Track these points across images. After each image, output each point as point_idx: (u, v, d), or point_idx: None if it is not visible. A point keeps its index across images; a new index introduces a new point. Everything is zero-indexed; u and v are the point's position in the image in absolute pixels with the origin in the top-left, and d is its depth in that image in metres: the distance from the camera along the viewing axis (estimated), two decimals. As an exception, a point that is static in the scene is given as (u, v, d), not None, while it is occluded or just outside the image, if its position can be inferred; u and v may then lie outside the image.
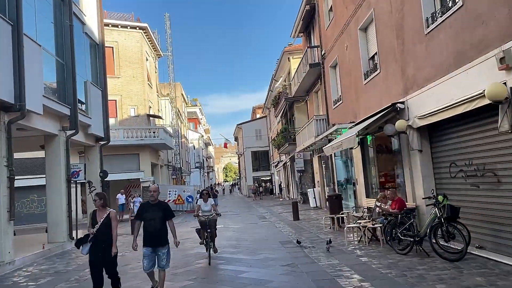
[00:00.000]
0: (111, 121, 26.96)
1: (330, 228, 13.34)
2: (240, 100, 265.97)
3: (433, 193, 8.15)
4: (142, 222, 6.41)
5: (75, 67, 14.08)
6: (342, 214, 13.48)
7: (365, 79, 12.72)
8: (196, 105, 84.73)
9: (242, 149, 54.04)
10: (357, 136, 10.12)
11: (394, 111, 10.14)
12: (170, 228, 6.53)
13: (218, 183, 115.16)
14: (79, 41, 15.54)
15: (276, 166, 43.88)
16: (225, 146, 54.28)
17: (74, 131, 13.81)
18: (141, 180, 26.72)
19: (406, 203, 9.60)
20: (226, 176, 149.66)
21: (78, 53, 15.04)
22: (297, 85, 22.45)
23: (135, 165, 26.88)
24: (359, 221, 10.68)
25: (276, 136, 33.63)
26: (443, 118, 7.96)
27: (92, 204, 16.44)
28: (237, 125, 53.76)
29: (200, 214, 9.86)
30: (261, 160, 53.32)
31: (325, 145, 18.42)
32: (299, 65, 22.26)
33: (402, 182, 10.74)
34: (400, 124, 9.42)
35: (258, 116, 56.31)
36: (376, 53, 11.85)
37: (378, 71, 11.51)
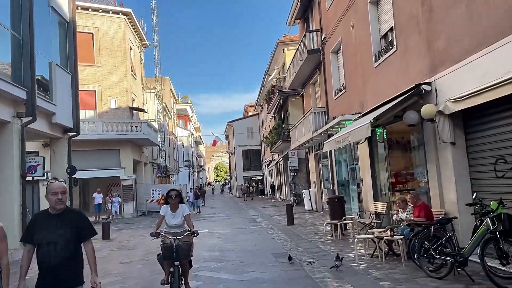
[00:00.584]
0: (89, 113, 24.79)
1: (332, 236, 11.37)
2: (232, 100, 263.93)
3: (477, 197, 6.21)
4: (36, 248, 3.59)
5: (34, 43, 11.92)
6: (346, 219, 11.53)
7: (375, 61, 10.78)
8: (187, 102, 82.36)
9: (233, 147, 51.99)
10: (371, 125, 8.13)
11: (417, 95, 8.20)
12: (88, 256, 3.80)
13: (208, 182, 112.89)
14: (43, 16, 13.38)
15: (268, 165, 41.91)
16: (214, 144, 52.10)
17: (31, 118, 11.66)
18: (121, 178, 24.54)
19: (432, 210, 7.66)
20: (217, 176, 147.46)
21: (41, 28, 12.89)
22: (292, 76, 20.50)
23: (115, 162, 24.69)
24: (371, 230, 8.72)
25: (268, 134, 31.66)
26: (490, 98, 6.03)
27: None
28: (228, 122, 51.68)
29: (163, 231, 6.04)
30: (252, 159, 51.31)
31: (325, 140, 16.59)
32: (295, 55, 20.30)
33: (424, 183, 8.80)
34: (427, 109, 7.47)
35: (250, 114, 54.31)
36: (391, 29, 9.90)
37: (394, 48, 9.57)
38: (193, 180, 65.83)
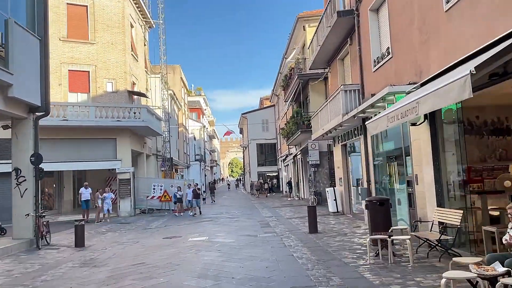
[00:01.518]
0: (82, 97, 21.89)
1: (377, 255, 8.00)
2: (247, 96, 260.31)
3: None
4: None
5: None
6: (391, 233, 8.13)
7: (447, 2, 7.31)
8: (200, 95, 79.72)
9: (247, 141, 48.78)
10: (472, 75, 4.67)
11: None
12: None
13: (222, 178, 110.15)
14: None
15: (284, 160, 38.56)
16: (228, 134, 49.07)
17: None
18: (117, 171, 21.58)
19: None
20: (232, 171, 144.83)
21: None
22: (315, 52, 17.06)
23: (111, 153, 21.71)
24: (457, 259, 5.33)
25: (285, 124, 28.27)
26: None
27: (22, 203, 11.18)
28: (242, 114, 48.48)
29: None
30: (267, 154, 48.06)
31: (357, 125, 13.17)
32: (318, 26, 16.85)
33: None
34: None
35: (265, 106, 50.92)
36: None
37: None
38: (205, 175, 62.92)
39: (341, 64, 16.34)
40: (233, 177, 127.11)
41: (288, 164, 35.04)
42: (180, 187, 23.48)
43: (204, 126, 62.69)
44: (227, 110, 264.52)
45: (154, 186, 23.51)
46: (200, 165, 54.01)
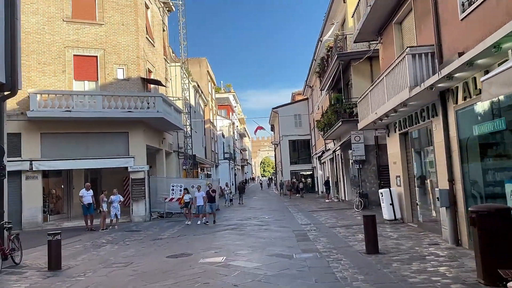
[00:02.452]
0: (90, 85, 19.30)
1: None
2: (279, 95, 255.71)
3: None
4: None
5: None
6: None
7: None
8: (230, 92, 77.15)
9: (278, 137, 45.41)
10: None
11: None
12: None
13: (253, 177, 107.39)
14: None
15: (319, 157, 34.91)
16: (259, 129, 45.88)
17: None
18: (129, 169, 18.82)
19: None
20: (264, 171, 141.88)
21: None
22: (363, 18, 13.48)
23: (122, 149, 18.99)
24: None
25: (322, 115, 24.70)
26: None
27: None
28: (273, 109, 45.10)
29: None
30: (300, 151, 44.49)
31: (426, 104, 9.48)
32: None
33: None
34: None
35: (298, 100, 47.31)
36: None
37: None
38: (235, 175, 60.08)
39: (398, 30, 12.68)
40: (265, 176, 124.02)
41: (325, 162, 31.39)
42: (200, 186, 20.49)
43: (234, 123, 59.85)
44: (259, 110, 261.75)
45: (173, 186, 20.62)
46: (229, 164, 51.12)
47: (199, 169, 32.77)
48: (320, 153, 32.66)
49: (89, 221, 15.86)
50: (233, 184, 49.51)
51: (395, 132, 13.23)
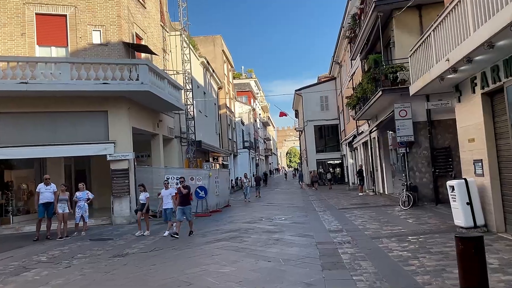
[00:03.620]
0: (57, 52, 15.42)
1: None
2: (304, 83, 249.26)
3: None
4: None
5: None
6: None
7: None
8: (252, 77, 72.82)
9: (303, 123, 40.78)
10: None
11: None
12: None
13: (277, 168, 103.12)
14: None
15: (350, 143, 30.15)
16: (283, 115, 41.39)
17: None
18: (108, 158, 14.88)
19: None
20: (290, 161, 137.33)
21: None
22: None
23: (100, 132, 15.04)
24: None
25: (355, 88, 19.94)
26: None
27: None
28: (296, 91, 40.39)
29: None
30: (327, 138, 39.70)
31: None
32: None
33: None
34: None
35: (324, 80, 42.32)
36: None
37: None
38: (257, 165, 55.89)
39: None
40: (291, 167, 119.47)
41: (357, 148, 26.63)
42: (200, 178, 16.42)
43: (254, 109, 55.51)
44: (286, 100, 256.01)
45: (167, 179, 16.53)
46: (249, 153, 46.91)
47: (211, 159, 28.72)
48: (351, 138, 27.90)
49: (42, 226, 11.96)
50: (253, 175, 45.37)
51: (474, 92, 8.53)
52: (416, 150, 14.65)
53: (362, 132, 23.10)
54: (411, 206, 13.76)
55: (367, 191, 22.55)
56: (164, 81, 16.83)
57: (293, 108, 51.78)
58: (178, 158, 21.31)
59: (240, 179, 34.90)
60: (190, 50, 21.30)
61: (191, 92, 20.62)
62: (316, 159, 38.59)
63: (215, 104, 32.72)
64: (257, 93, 73.63)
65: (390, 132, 17.36)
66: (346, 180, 36.00)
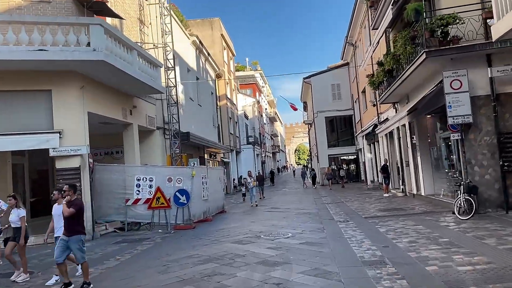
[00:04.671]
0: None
1: None
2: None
3: None
4: None
5: None
6: None
7: None
8: (257, 70, 68.77)
9: (312, 115, 36.64)
10: None
11: None
12: None
13: (285, 166, 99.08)
14: None
15: (367, 135, 25.97)
16: (294, 108, 37.19)
17: None
18: (52, 153, 11.00)
19: None
20: (299, 158, 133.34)
21: None
22: None
23: (41, 119, 11.18)
24: None
25: (385, 57, 15.68)
26: None
27: None
28: (304, 79, 36.20)
29: None
30: (340, 131, 35.54)
31: None
32: None
33: None
34: None
35: (336, 65, 37.96)
36: None
37: None
38: (263, 162, 51.84)
39: None
40: (299, 164, 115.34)
41: (381, 138, 22.45)
42: (180, 178, 12.50)
43: (259, 102, 51.45)
44: (295, 98, 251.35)
45: (139, 181, 12.63)
46: (254, 150, 42.87)
47: (206, 155, 24.77)
48: (370, 129, 23.70)
49: None
50: (258, 172, 41.33)
51: None
52: (475, 136, 10.49)
53: (387, 119, 18.91)
54: (473, 215, 9.64)
55: (394, 192, 18.39)
56: (132, 53, 12.87)
57: (301, 100, 47.59)
58: (161, 153, 17.38)
59: (244, 179, 31.00)
60: (173, 20, 17.28)
61: (173, 72, 16.58)
62: (328, 155, 34.42)
63: (212, 93, 28.76)
64: (262, 86, 69.62)
65: (428, 117, 13.21)
66: (362, 178, 31.86)
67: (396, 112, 17.21)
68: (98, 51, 10.59)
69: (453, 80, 10.25)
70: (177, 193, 12.47)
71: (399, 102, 16.79)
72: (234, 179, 34.19)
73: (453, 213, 10.16)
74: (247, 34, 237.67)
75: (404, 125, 16.02)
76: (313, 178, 33.82)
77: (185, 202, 12.45)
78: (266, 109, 71.14)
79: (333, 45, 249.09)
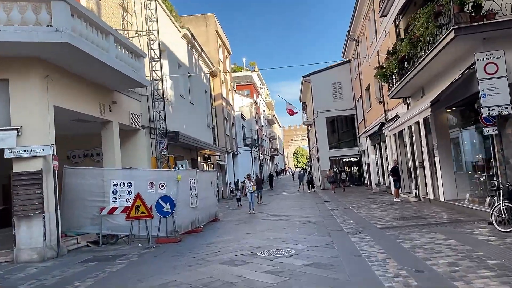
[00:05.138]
0: None
1: None
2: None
3: None
4: None
5: None
6: None
7: None
8: (254, 70, 67.16)
9: (312, 115, 34.93)
10: None
11: None
12: None
13: (283, 169, 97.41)
14: None
15: (372, 136, 24.25)
16: (290, 113, 35.17)
17: None
18: (7, 154, 9.21)
19: None
20: (297, 161, 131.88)
21: None
22: None
23: (-4, 113, 9.41)
24: None
25: (389, 53, 14.00)
26: None
27: None
28: (304, 77, 34.47)
29: None
30: (341, 131, 33.86)
31: None
32: None
33: None
34: None
35: (338, 62, 36.20)
36: None
37: None
38: (261, 165, 50.05)
39: None
40: (298, 167, 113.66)
41: (385, 140, 20.73)
42: (163, 183, 10.77)
43: (256, 103, 49.74)
44: (294, 101, 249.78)
45: (115, 186, 10.84)
46: (252, 152, 41.10)
47: (199, 157, 22.99)
48: (377, 128, 21.95)
49: None
50: (256, 175, 39.55)
51: None
52: (514, 131, 8.77)
53: (396, 117, 17.18)
54: (508, 228, 7.89)
55: (405, 196, 16.64)
56: (108, 38, 11.10)
57: (300, 100, 45.84)
58: (148, 155, 15.56)
59: (241, 183, 29.22)
60: (160, 8, 15.54)
61: (159, 63, 14.79)
62: (329, 156, 32.69)
63: (206, 92, 27.02)
64: (260, 88, 67.99)
65: (448, 112, 11.48)
66: (366, 181, 30.13)
67: (408, 108, 15.49)
68: (62, 32, 8.81)
69: (488, 64, 8.54)
70: (160, 201, 10.68)
71: (411, 97, 15.07)
72: (230, 183, 32.40)
73: (490, 223, 8.41)
74: (245, 34, 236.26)
75: (417, 122, 14.28)
76: (310, 182, 32.15)
77: (169, 211, 10.67)
78: (264, 111, 69.50)
79: (334, 43, 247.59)
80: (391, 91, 14.74)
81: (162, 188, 10.83)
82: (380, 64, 15.82)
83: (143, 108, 15.70)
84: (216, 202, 15.38)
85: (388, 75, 14.16)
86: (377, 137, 23.11)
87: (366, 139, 27.11)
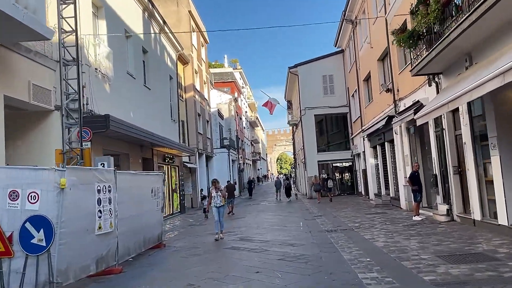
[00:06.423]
0: None
1: None
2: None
3: None
4: None
5: None
6: None
7: None
8: (236, 68, 62.60)
9: (299, 113, 30.41)
10: None
11: None
12: None
13: (266, 175, 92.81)
14: None
15: (372, 134, 19.73)
16: (267, 106, 30.32)
17: None
18: None
19: None
20: (281, 168, 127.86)
21: None
22: None
23: None
24: None
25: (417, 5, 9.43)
26: None
27: None
28: (290, 68, 29.82)
29: None
30: (331, 133, 29.40)
31: None
32: None
33: None
34: None
35: (330, 53, 31.66)
36: None
37: None
38: (240, 170, 45.16)
39: None
40: (281, 173, 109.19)
41: (393, 138, 16.17)
42: (36, 192, 5.78)
43: (236, 100, 44.96)
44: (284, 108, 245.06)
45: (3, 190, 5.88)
46: (229, 154, 36.24)
47: (157, 158, 18.01)
48: (381, 123, 17.38)
49: None
50: (235, 182, 34.65)
51: None
52: None
53: (413, 105, 12.57)
54: None
55: (429, 213, 12.05)
56: None
57: (285, 97, 41.33)
58: (61, 147, 10.55)
59: (203, 194, 24.42)
60: None
61: (73, 7, 9.81)
62: (318, 161, 28.16)
63: (171, 78, 22.13)
64: (242, 87, 63.34)
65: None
66: (360, 190, 25.67)
67: (438, 89, 10.93)
68: None
69: None
70: (27, 225, 5.80)
71: (444, 73, 10.52)
72: (202, 190, 27.38)
73: None
74: (227, 33, 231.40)
75: (448, 114, 9.72)
76: (287, 189, 27.69)
77: (44, 244, 5.78)
78: (246, 112, 64.84)
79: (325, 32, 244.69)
80: (417, 62, 10.14)
81: (33, 201, 5.93)
82: (400, 27, 11.20)
83: (56, 81, 10.70)
84: (160, 219, 10.45)
85: (416, 37, 9.54)
86: (380, 136, 18.61)
87: (363, 140, 22.61)
